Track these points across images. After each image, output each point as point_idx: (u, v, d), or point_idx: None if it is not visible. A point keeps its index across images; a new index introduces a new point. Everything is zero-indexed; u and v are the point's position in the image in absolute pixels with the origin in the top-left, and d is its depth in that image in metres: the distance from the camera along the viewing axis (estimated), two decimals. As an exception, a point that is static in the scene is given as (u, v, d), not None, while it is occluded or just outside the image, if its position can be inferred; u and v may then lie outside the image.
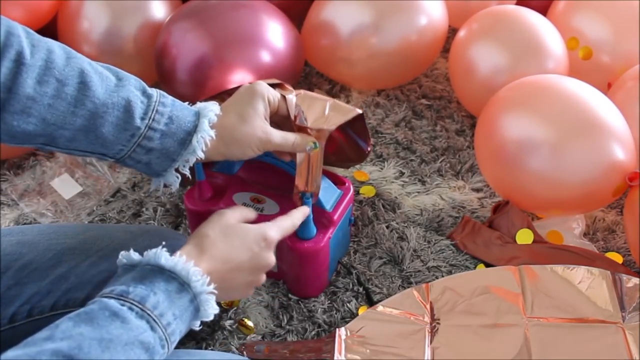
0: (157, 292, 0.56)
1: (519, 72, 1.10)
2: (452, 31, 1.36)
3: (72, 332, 0.50)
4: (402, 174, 1.17)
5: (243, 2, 1.17)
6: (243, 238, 0.66)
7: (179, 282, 0.58)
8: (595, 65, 1.20)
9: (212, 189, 0.89)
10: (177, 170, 0.71)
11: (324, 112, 0.78)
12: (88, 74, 0.64)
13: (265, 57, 1.14)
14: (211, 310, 0.60)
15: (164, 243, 0.61)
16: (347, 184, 0.91)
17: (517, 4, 1.33)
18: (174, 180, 0.72)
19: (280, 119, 0.77)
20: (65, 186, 1.14)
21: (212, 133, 0.69)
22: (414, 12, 1.22)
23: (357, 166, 1.17)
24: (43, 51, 0.62)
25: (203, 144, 0.69)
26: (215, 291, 0.61)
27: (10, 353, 0.48)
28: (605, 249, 1.03)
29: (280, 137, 0.74)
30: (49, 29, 1.26)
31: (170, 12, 1.25)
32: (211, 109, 0.71)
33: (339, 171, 0.95)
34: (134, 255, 0.60)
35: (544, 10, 1.26)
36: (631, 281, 0.87)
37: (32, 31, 0.63)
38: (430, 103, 1.33)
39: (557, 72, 1.11)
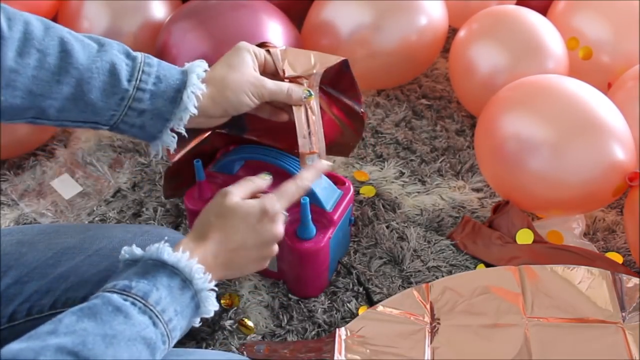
0: (160, 287, 0.56)
1: (519, 72, 1.10)
2: (452, 31, 1.36)
3: (76, 327, 0.50)
4: (402, 174, 1.17)
5: (243, 2, 1.17)
6: (241, 217, 0.64)
7: (181, 279, 0.58)
8: (595, 65, 1.20)
9: (212, 189, 0.89)
10: (173, 130, 0.71)
11: (310, 61, 0.78)
12: (69, 42, 0.64)
13: (265, 57, 1.14)
14: (211, 307, 0.60)
15: (166, 238, 0.60)
16: (347, 184, 0.91)
17: (517, 4, 1.33)
18: (171, 141, 0.71)
19: (269, 77, 0.76)
20: (65, 186, 1.14)
21: (203, 87, 0.69)
22: (414, 12, 1.22)
23: (357, 166, 1.17)
24: (20, 23, 0.62)
25: (194, 99, 0.69)
26: (216, 289, 0.60)
27: (15, 346, 0.48)
28: (605, 249, 1.03)
29: (274, 84, 0.73)
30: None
31: (170, 12, 1.25)
32: (198, 65, 0.71)
33: (339, 171, 0.96)
34: (136, 250, 0.60)
35: (544, 10, 1.26)
36: (631, 281, 0.87)
37: (6, 5, 0.63)
38: (430, 103, 1.33)
39: (557, 72, 1.11)
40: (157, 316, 0.54)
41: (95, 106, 0.66)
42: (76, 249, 0.73)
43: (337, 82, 0.84)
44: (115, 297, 0.54)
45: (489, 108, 1.06)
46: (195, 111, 0.69)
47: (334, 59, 0.79)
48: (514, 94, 1.03)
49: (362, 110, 0.87)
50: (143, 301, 0.54)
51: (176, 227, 1.07)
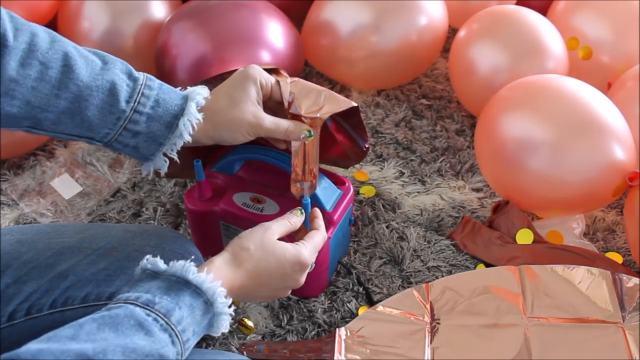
0: (182, 306, 0.56)
1: (519, 72, 1.10)
2: (452, 31, 1.36)
3: (97, 336, 0.50)
4: (402, 174, 1.17)
5: (243, 2, 1.17)
6: (280, 259, 0.66)
7: (204, 300, 0.58)
8: (595, 65, 1.20)
9: (212, 189, 0.89)
10: (165, 154, 0.71)
11: (319, 101, 0.76)
12: (72, 57, 0.64)
13: (265, 57, 1.14)
14: (223, 329, 0.61)
15: (192, 257, 0.61)
16: (347, 184, 0.91)
17: (517, 4, 1.33)
18: (163, 165, 0.71)
19: (275, 105, 0.76)
20: (65, 186, 1.14)
21: (200, 116, 0.69)
22: (414, 12, 1.22)
23: (357, 166, 1.17)
24: (27, 34, 0.62)
25: (190, 127, 0.69)
26: (233, 313, 0.61)
27: (34, 346, 0.48)
28: (605, 249, 1.03)
29: (272, 123, 0.72)
30: (49, 29, 1.26)
31: (170, 12, 1.25)
32: (199, 93, 0.70)
33: (339, 171, 0.95)
34: (160, 264, 0.60)
35: (544, 10, 1.26)
36: (631, 281, 0.87)
37: (16, 15, 0.63)
38: (430, 103, 1.33)
39: (557, 72, 1.11)
40: (176, 335, 0.55)
41: (91, 123, 0.66)
42: (76, 248, 0.73)
43: (346, 117, 0.83)
44: (138, 311, 0.54)
45: (489, 108, 1.06)
46: (189, 139, 0.69)
47: (343, 104, 0.77)
48: (514, 94, 1.03)
49: (366, 146, 0.87)
50: (165, 319, 0.54)
51: (176, 227, 1.07)
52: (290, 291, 0.72)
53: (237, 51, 1.12)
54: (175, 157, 0.71)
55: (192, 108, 0.69)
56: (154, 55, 1.19)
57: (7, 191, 1.13)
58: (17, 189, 1.14)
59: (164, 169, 0.72)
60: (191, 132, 0.69)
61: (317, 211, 0.77)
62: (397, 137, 1.24)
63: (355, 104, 0.79)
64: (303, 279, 0.70)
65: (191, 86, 0.72)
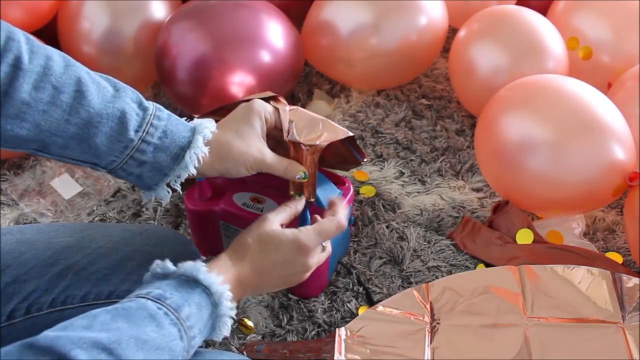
0: (192, 304, 0.58)
1: (519, 72, 1.10)
2: (452, 31, 1.36)
3: (111, 326, 0.52)
4: (402, 174, 1.17)
5: (243, 2, 1.17)
6: (277, 245, 0.67)
7: (211, 302, 0.60)
8: (595, 65, 1.20)
9: (212, 189, 0.89)
10: (168, 185, 0.71)
11: (317, 129, 0.78)
12: (85, 82, 0.64)
13: (265, 57, 1.14)
14: (225, 333, 0.62)
15: (203, 258, 0.62)
16: (347, 184, 0.91)
17: (517, 4, 1.33)
18: (165, 195, 0.71)
19: (278, 134, 0.77)
20: (65, 186, 1.14)
21: (206, 150, 0.69)
22: (414, 12, 1.22)
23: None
24: (41, 58, 0.62)
25: (196, 160, 0.69)
26: (235, 317, 0.62)
27: (50, 333, 0.49)
28: (605, 249, 1.03)
29: (274, 159, 0.74)
30: (49, 29, 1.26)
31: (170, 12, 1.25)
32: (207, 126, 0.70)
33: (339, 171, 0.95)
34: (169, 265, 0.62)
35: (544, 10, 1.26)
36: (631, 281, 0.87)
37: (33, 38, 0.63)
38: (430, 103, 1.33)
39: (557, 72, 1.11)
40: (185, 331, 0.56)
41: (98, 150, 0.66)
42: (75, 247, 0.73)
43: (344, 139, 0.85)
44: (150, 304, 0.55)
45: (489, 108, 1.06)
46: (194, 172, 0.70)
47: (341, 134, 0.80)
48: (514, 94, 1.03)
49: (364, 160, 0.89)
50: (176, 313, 0.56)
51: (176, 227, 1.07)
52: (304, 276, 0.71)
53: (237, 51, 1.12)
54: (179, 189, 0.71)
55: (199, 141, 0.69)
56: (154, 55, 1.19)
57: (7, 191, 1.13)
58: (17, 189, 1.14)
59: (165, 200, 0.72)
60: (197, 165, 0.69)
61: (338, 199, 0.77)
62: (397, 137, 1.24)
63: (352, 134, 0.81)
64: (312, 261, 0.70)
65: (198, 118, 0.73)
